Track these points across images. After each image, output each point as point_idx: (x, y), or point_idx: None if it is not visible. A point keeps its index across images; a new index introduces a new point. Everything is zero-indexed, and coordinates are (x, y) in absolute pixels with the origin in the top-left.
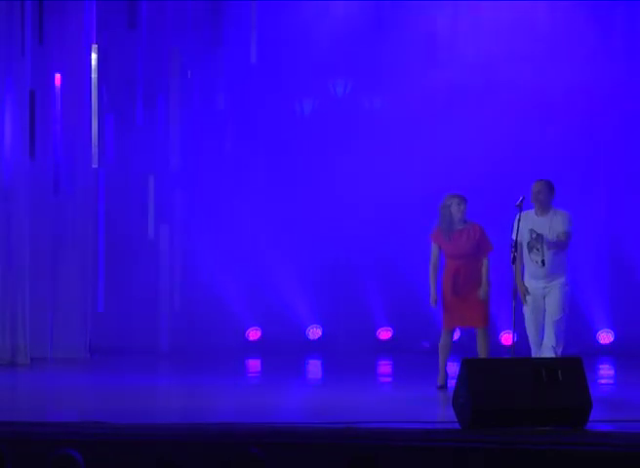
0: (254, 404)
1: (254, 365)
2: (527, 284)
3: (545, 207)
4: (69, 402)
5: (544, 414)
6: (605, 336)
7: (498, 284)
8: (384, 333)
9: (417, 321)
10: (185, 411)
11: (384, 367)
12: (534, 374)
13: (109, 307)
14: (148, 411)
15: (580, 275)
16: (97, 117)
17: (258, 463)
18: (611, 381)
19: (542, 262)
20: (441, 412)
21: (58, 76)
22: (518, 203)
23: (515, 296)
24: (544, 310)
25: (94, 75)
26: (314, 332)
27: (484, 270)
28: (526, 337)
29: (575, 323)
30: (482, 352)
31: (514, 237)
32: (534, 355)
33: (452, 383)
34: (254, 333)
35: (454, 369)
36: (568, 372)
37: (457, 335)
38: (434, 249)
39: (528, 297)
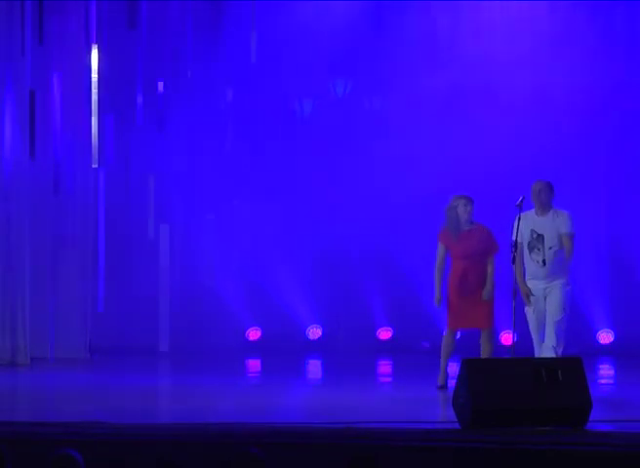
0: (254, 404)
1: (254, 365)
2: (528, 284)
3: (546, 207)
4: (69, 402)
5: (544, 414)
6: (605, 336)
7: (498, 284)
8: (384, 333)
9: (417, 321)
10: (185, 411)
11: (384, 367)
12: (534, 374)
13: (109, 307)
14: (148, 411)
15: (580, 275)
16: (97, 117)
17: (258, 463)
18: (611, 381)
19: (543, 262)
20: (441, 412)
21: (58, 76)
22: (518, 203)
23: (515, 296)
24: (545, 310)
25: (94, 75)
26: (314, 332)
27: (490, 271)
28: (526, 337)
29: (575, 323)
30: (485, 353)
31: (514, 237)
32: (537, 355)
33: (452, 383)
34: (254, 333)
35: (454, 369)
36: (568, 372)
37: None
38: (441, 249)
39: (530, 298)
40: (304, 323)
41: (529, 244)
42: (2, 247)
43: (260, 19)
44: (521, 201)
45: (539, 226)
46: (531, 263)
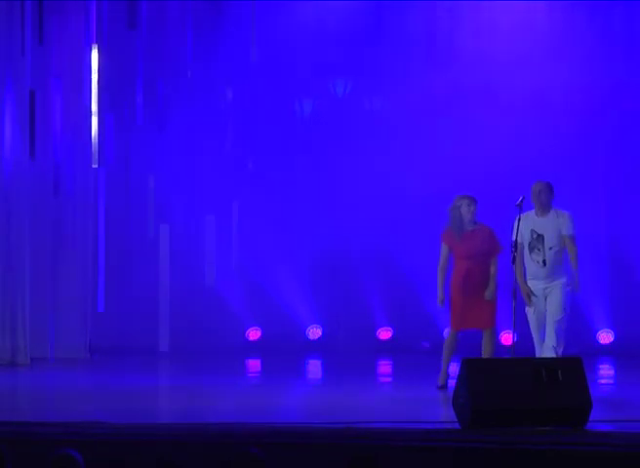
0: (254, 404)
1: (254, 365)
2: (528, 284)
3: (546, 207)
4: (69, 402)
5: (544, 414)
6: (605, 336)
7: (498, 284)
8: (384, 333)
9: (417, 321)
10: (185, 411)
11: (384, 367)
12: (534, 374)
13: (109, 307)
14: (148, 411)
15: (580, 275)
16: (97, 117)
17: (258, 463)
18: (611, 381)
19: (544, 262)
20: (441, 412)
21: (58, 76)
22: (518, 203)
23: (515, 296)
24: (546, 310)
25: (94, 75)
26: (314, 332)
27: (492, 271)
28: (526, 337)
29: (575, 323)
30: (487, 353)
31: (514, 238)
32: (538, 354)
33: (452, 383)
34: (254, 333)
35: (454, 369)
36: (568, 372)
37: None
38: (444, 249)
39: (532, 298)
40: (304, 323)
41: (529, 244)
42: (2, 247)
43: (259, 20)
44: (521, 201)
45: (539, 227)
46: (531, 264)
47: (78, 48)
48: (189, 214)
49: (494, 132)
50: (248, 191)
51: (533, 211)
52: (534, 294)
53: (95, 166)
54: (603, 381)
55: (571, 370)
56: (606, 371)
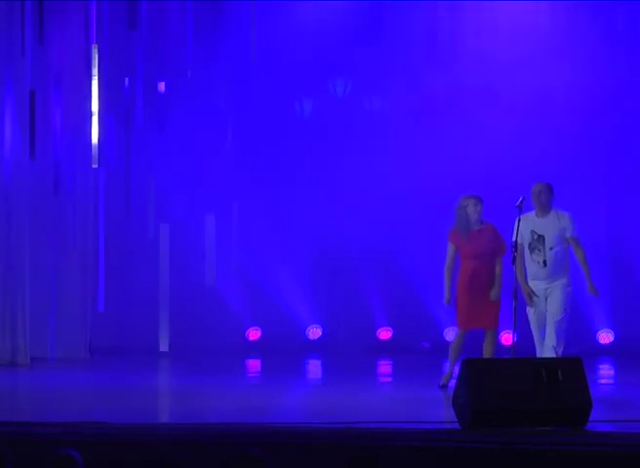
0: (254, 404)
1: (254, 365)
2: (529, 284)
3: (546, 208)
4: (69, 402)
5: (544, 414)
6: (605, 336)
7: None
8: (384, 333)
9: (417, 321)
10: (185, 411)
11: (384, 367)
12: (534, 374)
13: (109, 307)
14: (148, 411)
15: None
16: (97, 117)
17: (258, 463)
18: (611, 381)
19: (544, 263)
20: (441, 412)
21: (58, 76)
22: (518, 203)
23: (516, 297)
24: (546, 310)
25: (94, 75)
26: (314, 332)
27: (498, 271)
28: (526, 337)
29: (575, 323)
30: (488, 352)
31: (514, 238)
32: (538, 354)
33: (452, 383)
34: (254, 333)
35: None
36: (568, 372)
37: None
38: (450, 249)
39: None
40: (304, 323)
41: (530, 245)
42: (2, 247)
43: (259, 20)
44: (521, 201)
45: (539, 227)
46: (532, 264)
47: (78, 48)
48: (189, 214)
49: (495, 132)
50: (248, 191)
51: (533, 211)
52: (535, 295)
53: (95, 166)
54: (603, 381)
55: (571, 370)
56: (606, 371)
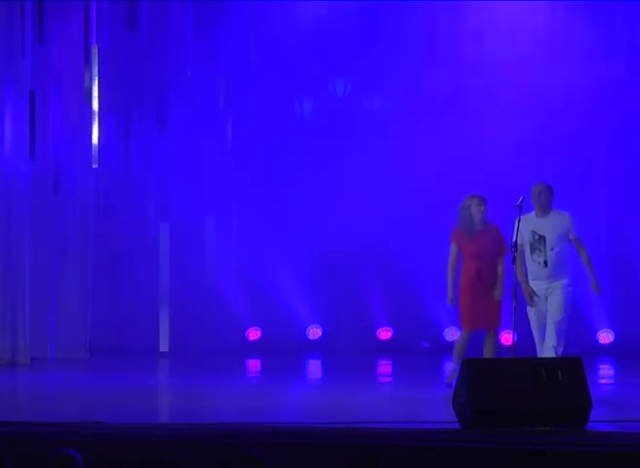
0: (254, 404)
1: (254, 365)
2: (530, 284)
3: (546, 209)
4: (69, 402)
5: (544, 414)
6: (605, 336)
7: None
8: (384, 333)
9: (417, 321)
10: (185, 411)
11: (384, 367)
12: (534, 374)
13: (109, 307)
14: (148, 411)
15: (581, 275)
16: (97, 117)
17: (258, 463)
18: (611, 381)
19: (545, 263)
20: (441, 412)
21: (57, 76)
22: (518, 203)
23: (516, 296)
24: (547, 310)
25: (94, 75)
26: (314, 332)
27: (500, 271)
28: (526, 337)
29: (575, 323)
30: (489, 352)
31: (514, 238)
32: (539, 353)
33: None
34: (254, 333)
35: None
36: (568, 372)
37: (457, 335)
38: (453, 249)
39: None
40: (304, 323)
41: (530, 245)
42: (2, 247)
43: (259, 20)
44: (521, 201)
45: (540, 228)
46: (532, 264)
47: (78, 48)
48: (189, 214)
49: (494, 132)
50: (248, 191)
51: (533, 212)
52: (536, 295)
53: (95, 166)
54: (603, 381)
55: (571, 370)
56: (606, 371)
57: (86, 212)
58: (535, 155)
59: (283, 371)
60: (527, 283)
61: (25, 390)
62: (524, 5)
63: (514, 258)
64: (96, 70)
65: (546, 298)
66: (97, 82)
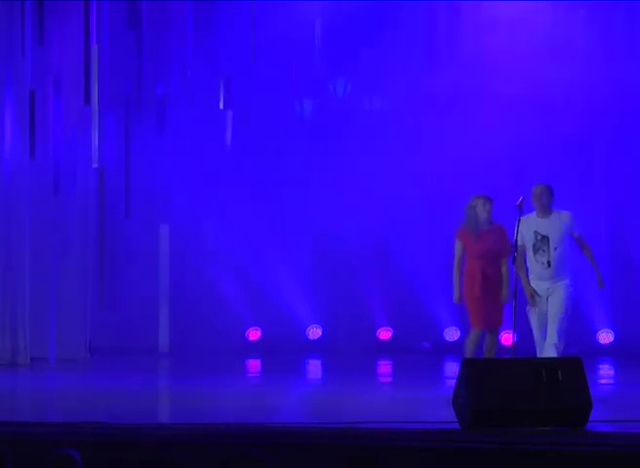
0: (254, 404)
1: (254, 365)
2: (531, 284)
3: (547, 209)
4: (69, 402)
5: (544, 414)
6: (605, 336)
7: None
8: (384, 333)
9: (417, 321)
10: (185, 411)
11: (384, 367)
12: (534, 374)
13: (109, 307)
14: (148, 411)
15: (581, 275)
16: (97, 117)
17: (258, 463)
18: (611, 381)
19: (548, 263)
20: (441, 412)
21: (57, 76)
22: (518, 203)
23: (516, 296)
24: (547, 310)
25: (94, 75)
26: (314, 332)
27: (504, 271)
28: (526, 337)
29: (575, 323)
30: (490, 352)
31: (515, 239)
32: (539, 353)
33: (452, 383)
34: (254, 333)
35: (454, 369)
36: (568, 372)
37: (457, 335)
38: (458, 248)
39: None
40: (304, 323)
41: (533, 246)
42: (2, 247)
43: (259, 19)
44: (521, 201)
45: (542, 228)
46: (535, 265)
47: (78, 48)
48: (189, 214)
49: (494, 131)
50: (248, 191)
51: (534, 212)
52: (538, 295)
53: (95, 165)
54: (603, 381)
55: (571, 369)
56: (606, 371)
57: (86, 212)
58: (535, 155)
59: (283, 371)
60: (528, 283)
61: (25, 390)
62: (524, 5)
63: (514, 258)
64: (96, 70)
65: (547, 298)
66: (97, 82)
